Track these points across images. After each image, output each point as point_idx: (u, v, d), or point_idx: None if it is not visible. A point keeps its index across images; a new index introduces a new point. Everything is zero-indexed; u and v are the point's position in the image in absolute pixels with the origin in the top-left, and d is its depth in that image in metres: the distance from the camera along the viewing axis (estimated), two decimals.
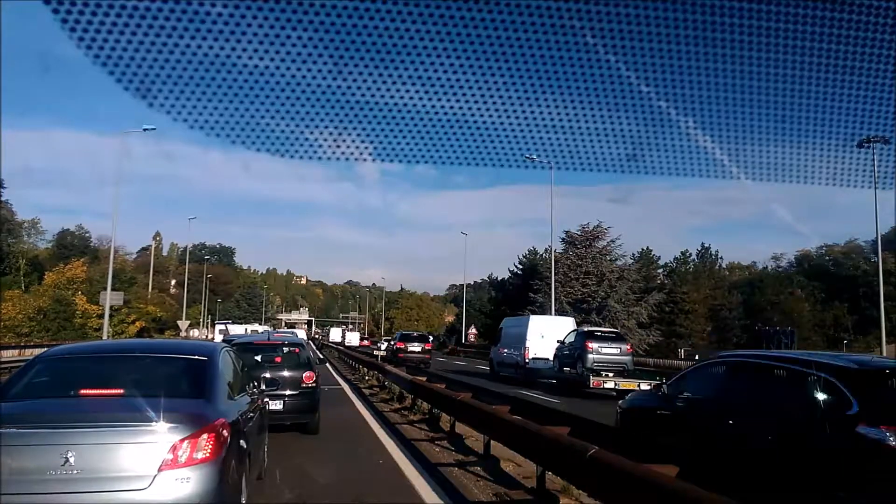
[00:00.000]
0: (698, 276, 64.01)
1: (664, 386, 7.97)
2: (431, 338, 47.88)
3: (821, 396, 5.51)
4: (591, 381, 19.06)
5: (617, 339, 22.32)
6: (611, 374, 19.73)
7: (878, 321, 29.08)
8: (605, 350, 20.89)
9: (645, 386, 15.43)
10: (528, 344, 25.73)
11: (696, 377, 7.69)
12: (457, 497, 6.85)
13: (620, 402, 9.57)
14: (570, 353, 21.78)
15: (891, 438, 4.82)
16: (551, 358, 23.73)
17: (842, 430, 5.10)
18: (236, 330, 49.84)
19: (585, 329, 24.47)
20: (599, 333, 22.64)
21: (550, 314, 38.78)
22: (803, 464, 5.36)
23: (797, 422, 5.62)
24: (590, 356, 20.41)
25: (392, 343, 38.29)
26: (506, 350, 28.05)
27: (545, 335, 25.16)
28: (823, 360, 5.93)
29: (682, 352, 48.15)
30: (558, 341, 23.35)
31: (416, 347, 34.50)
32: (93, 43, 3.25)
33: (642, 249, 65.97)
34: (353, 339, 70.90)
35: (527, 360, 25.50)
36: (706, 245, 69.80)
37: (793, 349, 39.85)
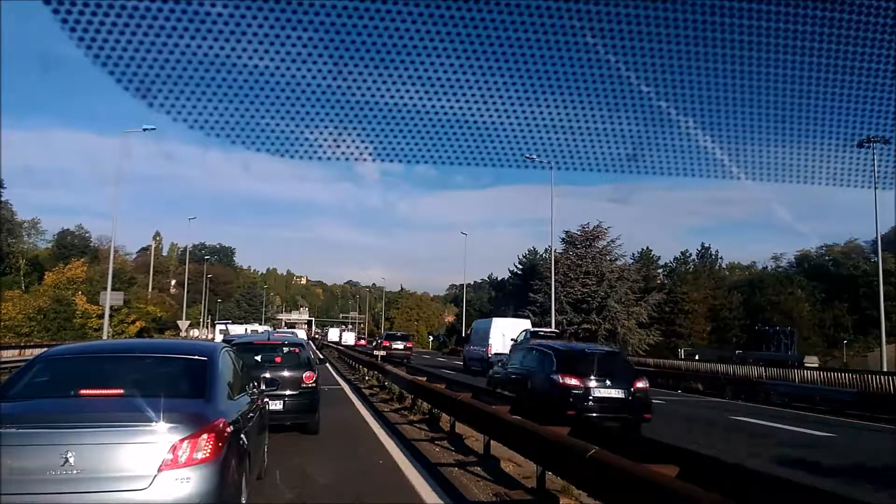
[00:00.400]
0: (698, 276, 64.03)
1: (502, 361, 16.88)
2: (435, 338, 53.93)
3: (548, 362, 12.39)
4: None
5: (556, 337, 28.05)
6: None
7: (878, 321, 29.08)
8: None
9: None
10: (490, 342, 30.29)
11: (512, 356, 16.03)
12: (457, 497, 6.85)
13: (489, 372, 17.22)
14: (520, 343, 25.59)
15: (560, 379, 11.67)
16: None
17: (550, 375, 11.97)
18: (237, 330, 49.94)
19: (532, 329, 29.80)
20: (542, 333, 28.14)
21: (551, 314, 41.98)
22: (541, 390, 12.13)
23: (542, 372, 12.40)
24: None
25: (379, 342, 43.19)
26: (474, 347, 32.68)
27: (505, 334, 29.51)
28: (553, 345, 13.71)
29: (682, 352, 48.16)
30: (512, 339, 27.51)
31: (399, 345, 41.42)
32: (93, 43, 3.24)
33: (642, 249, 66.12)
34: (349, 338, 75.78)
35: (490, 356, 29.08)
36: (706, 245, 70.02)
37: (793, 349, 39.96)
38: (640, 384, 11.94)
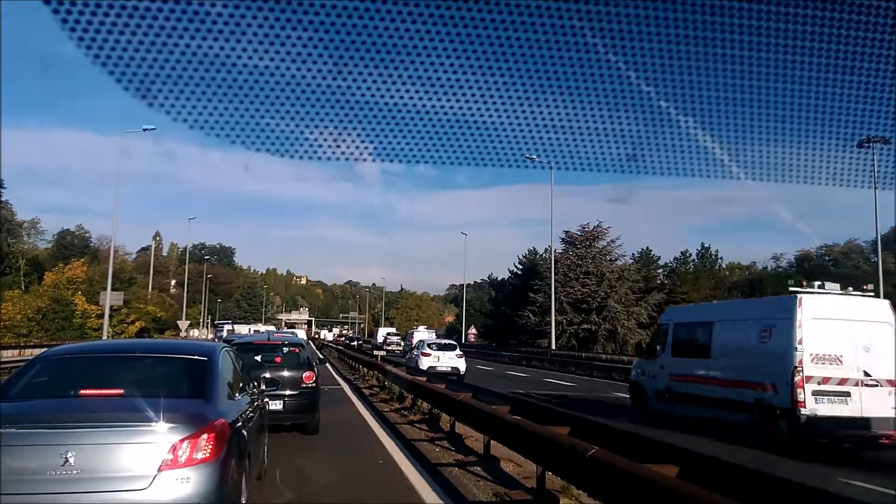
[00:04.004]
0: (698, 276, 63.99)
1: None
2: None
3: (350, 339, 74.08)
4: (384, 348, 50.11)
5: (397, 334, 62.57)
6: (391, 345, 53.76)
7: None
8: (392, 338, 58.74)
9: (397, 348, 52.65)
10: (378, 337, 63.66)
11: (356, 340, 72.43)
12: (457, 497, 6.84)
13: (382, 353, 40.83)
14: (384, 339, 58.90)
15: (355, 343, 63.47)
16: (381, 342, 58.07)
17: (350, 342, 63.57)
18: (242, 330, 51.28)
19: (388, 330, 67.33)
20: (393, 332, 64.75)
21: (550, 314, 44.07)
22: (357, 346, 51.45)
23: (353, 341, 67.38)
24: (388, 339, 58.13)
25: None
26: (372, 340, 68.46)
27: (387, 334, 62.32)
28: (350, 335, 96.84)
29: None
30: (385, 336, 61.10)
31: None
32: (93, 43, 3.24)
33: (642, 249, 66.08)
34: (329, 336, 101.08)
35: (379, 343, 58.99)
36: (706, 245, 69.91)
37: None
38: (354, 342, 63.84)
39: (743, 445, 10.43)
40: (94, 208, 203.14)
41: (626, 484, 4.57)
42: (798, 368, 10.61)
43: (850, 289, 12.18)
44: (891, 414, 10.39)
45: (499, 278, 78.14)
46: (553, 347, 43.71)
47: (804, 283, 12.00)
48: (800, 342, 10.75)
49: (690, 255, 69.03)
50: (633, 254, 62.75)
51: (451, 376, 21.60)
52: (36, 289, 54.56)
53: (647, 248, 66.97)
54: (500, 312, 64.10)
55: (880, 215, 26.96)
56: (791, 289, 12.00)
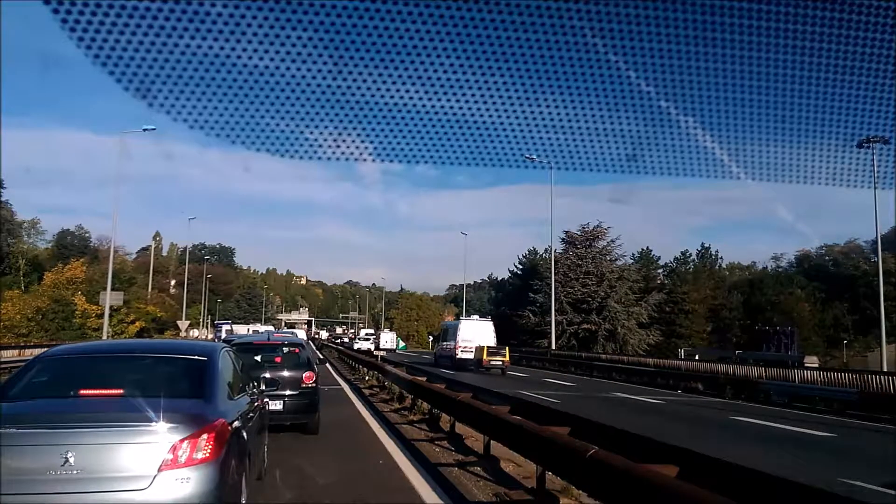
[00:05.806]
0: (698, 276, 64.06)
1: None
2: (435, 338, 72.97)
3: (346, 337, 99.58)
4: (355, 345, 56.39)
5: (373, 335, 71.21)
6: (367, 340, 63.02)
7: (878, 321, 29.07)
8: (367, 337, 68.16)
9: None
10: (360, 336, 70.19)
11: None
12: (457, 497, 6.84)
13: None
14: (356, 337, 74.90)
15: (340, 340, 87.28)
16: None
17: (344, 341, 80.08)
18: (240, 330, 51.19)
19: (367, 331, 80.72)
20: (371, 332, 76.19)
21: (551, 314, 44.79)
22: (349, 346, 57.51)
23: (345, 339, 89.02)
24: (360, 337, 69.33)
25: (355, 339, 72.13)
26: (345, 337, 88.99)
27: (365, 334, 72.44)
28: (340, 335, 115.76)
29: (682, 352, 48.15)
30: (364, 334, 72.38)
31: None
32: (93, 43, 3.25)
33: (642, 249, 66.29)
34: (324, 335, 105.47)
35: (350, 340, 72.23)
36: (706, 245, 70.18)
37: (793, 349, 40.01)
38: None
39: (446, 369, 29.35)
40: (94, 208, 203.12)
41: (626, 484, 4.57)
42: (457, 342, 36.24)
43: (478, 316, 42.32)
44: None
45: (499, 278, 78.38)
46: (553, 347, 43.77)
47: (464, 314, 51.92)
48: (459, 334, 36.55)
49: (690, 255, 69.19)
50: (633, 254, 62.99)
51: (370, 352, 42.22)
52: (36, 289, 54.50)
53: (647, 248, 67.24)
54: (500, 312, 64.14)
55: (880, 215, 26.99)
56: (461, 318, 43.75)
